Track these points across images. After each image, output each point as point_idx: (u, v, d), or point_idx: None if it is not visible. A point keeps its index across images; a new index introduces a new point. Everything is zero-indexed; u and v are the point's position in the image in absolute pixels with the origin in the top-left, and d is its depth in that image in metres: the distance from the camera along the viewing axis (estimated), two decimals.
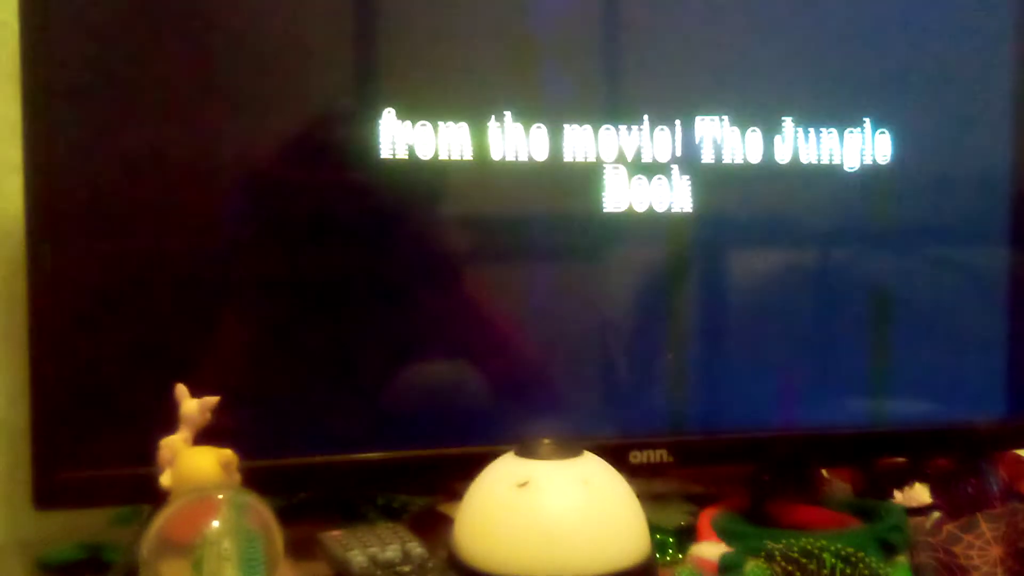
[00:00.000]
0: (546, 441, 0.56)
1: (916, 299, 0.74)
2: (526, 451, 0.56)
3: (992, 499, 0.72)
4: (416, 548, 0.56)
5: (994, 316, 0.76)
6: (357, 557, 0.54)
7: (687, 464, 0.71)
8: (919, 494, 0.75)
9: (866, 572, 0.58)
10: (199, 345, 0.63)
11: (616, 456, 0.59)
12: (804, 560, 0.59)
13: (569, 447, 0.56)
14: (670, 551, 0.66)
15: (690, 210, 0.69)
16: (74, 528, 0.66)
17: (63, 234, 0.60)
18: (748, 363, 0.72)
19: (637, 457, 0.68)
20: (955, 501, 0.72)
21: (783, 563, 0.59)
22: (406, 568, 0.54)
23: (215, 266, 0.63)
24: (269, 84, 0.63)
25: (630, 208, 0.69)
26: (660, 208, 0.69)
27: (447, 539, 0.57)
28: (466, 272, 0.68)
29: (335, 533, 0.58)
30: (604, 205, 0.68)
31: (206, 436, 0.55)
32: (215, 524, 0.50)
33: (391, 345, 0.66)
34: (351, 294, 0.65)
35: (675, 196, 0.69)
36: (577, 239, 0.69)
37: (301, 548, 0.59)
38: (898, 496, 0.75)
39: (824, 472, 0.78)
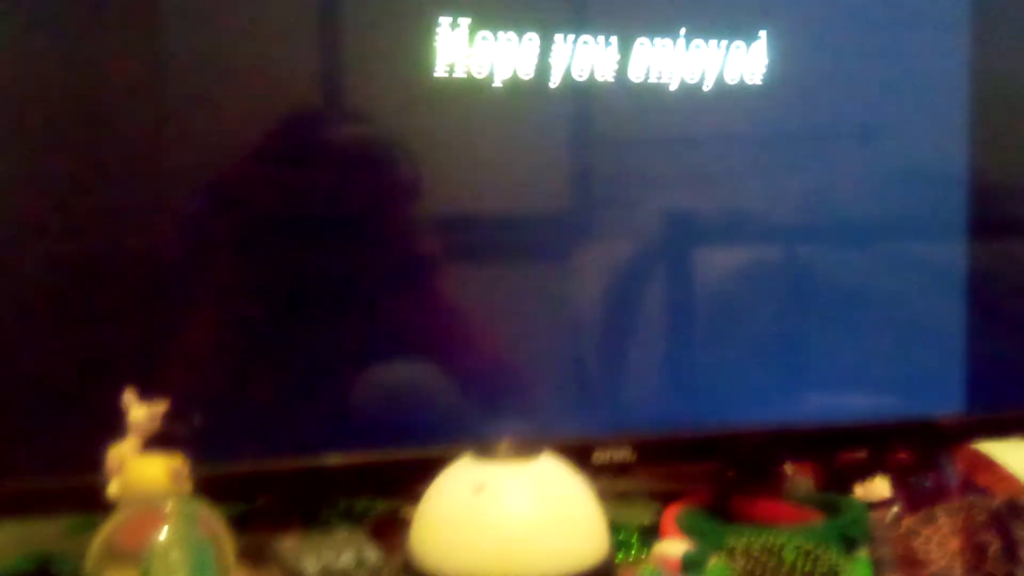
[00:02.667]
0: (503, 443, 0.55)
1: (876, 293, 0.75)
2: (482, 453, 0.55)
3: (951, 493, 0.72)
4: (372, 554, 0.55)
5: (953, 310, 0.76)
6: (310, 565, 0.53)
7: (651, 462, 0.71)
8: (879, 488, 0.75)
9: (825, 567, 0.59)
10: (151, 347, 0.61)
11: (579, 455, 0.59)
12: (765, 557, 0.59)
13: (527, 449, 0.55)
14: (633, 550, 0.66)
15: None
16: (23, 538, 0.64)
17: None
18: (711, 360, 0.72)
19: (600, 457, 0.67)
20: (914, 495, 0.73)
21: (744, 560, 0.59)
22: (361, 575, 0.53)
23: (166, 266, 0.62)
24: (231, 76, 0.61)
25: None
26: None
27: (404, 545, 0.56)
28: (427, 272, 0.67)
29: (289, 540, 0.57)
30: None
31: (159, 441, 0.54)
32: (163, 534, 0.49)
33: (350, 346, 0.65)
34: (308, 294, 0.64)
35: None
36: (542, 238, 0.68)
37: (258, 555, 0.58)
38: (858, 490, 0.75)
39: (787, 467, 0.79)
